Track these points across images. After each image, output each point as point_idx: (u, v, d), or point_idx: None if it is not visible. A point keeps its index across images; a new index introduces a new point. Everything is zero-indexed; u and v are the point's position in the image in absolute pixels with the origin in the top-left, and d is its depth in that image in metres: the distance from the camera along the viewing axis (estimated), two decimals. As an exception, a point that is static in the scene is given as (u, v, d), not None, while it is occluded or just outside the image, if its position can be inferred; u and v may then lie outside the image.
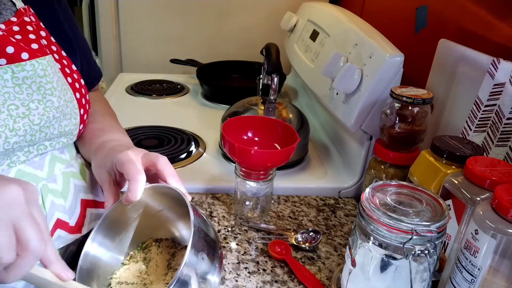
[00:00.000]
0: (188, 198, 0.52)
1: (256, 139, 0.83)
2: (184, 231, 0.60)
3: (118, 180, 0.61)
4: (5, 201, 0.38)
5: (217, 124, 1.03)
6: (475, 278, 0.50)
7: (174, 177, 0.57)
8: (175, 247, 0.59)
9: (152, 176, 0.59)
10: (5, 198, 0.38)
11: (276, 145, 0.81)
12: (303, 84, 1.23)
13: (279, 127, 0.82)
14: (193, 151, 1.01)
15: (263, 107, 0.96)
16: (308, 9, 1.28)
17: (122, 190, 0.61)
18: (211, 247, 0.51)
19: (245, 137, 0.82)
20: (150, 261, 0.58)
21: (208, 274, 0.50)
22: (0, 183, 0.39)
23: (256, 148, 0.80)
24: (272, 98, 0.93)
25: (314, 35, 1.13)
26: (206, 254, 0.50)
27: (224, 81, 1.44)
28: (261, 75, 1.02)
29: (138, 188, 0.54)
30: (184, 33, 1.55)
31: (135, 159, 0.57)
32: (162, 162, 0.57)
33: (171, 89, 1.42)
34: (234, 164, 0.79)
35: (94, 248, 0.56)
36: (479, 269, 0.49)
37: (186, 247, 0.58)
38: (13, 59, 0.55)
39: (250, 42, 1.54)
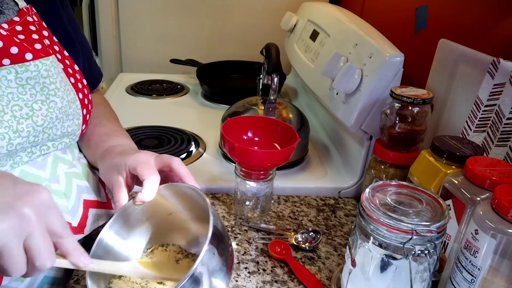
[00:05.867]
0: (205, 197, 0.53)
1: (256, 139, 0.83)
2: (196, 234, 0.60)
3: (129, 183, 0.61)
4: (17, 224, 0.39)
5: (217, 124, 1.03)
6: (475, 278, 0.50)
7: (190, 176, 0.59)
8: (182, 253, 0.59)
9: (164, 177, 0.60)
10: (16, 222, 0.39)
11: (276, 145, 0.81)
12: (303, 84, 1.23)
13: (279, 127, 0.81)
14: (193, 151, 1.01)
15: (263, 107, 0.96)
16: (308, 9, 1.28)
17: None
18: (225, 247, 0.51)
19: (245, 137, 0.82)
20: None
21: (219, 274, 0.50)
22: (14, 205, 0.40)
23: (256, 148, 0.80)
24: (272, 98, 0.93)
25: (314, 35, 1.13)
26: (219, 254, 0.50)
27: (224, 81, 1.44)
28: (261, 75, 1.02)
29: (153, 187, 0.55)
30: (184, 33, 1.55)
31: (149, 160, 0.58)
32: (177, 163, 0.59)
33: (171, 89, 1.42)
34: (234, 164, 0.79)
35: (109, 237, 0.56)
36: (479, 269, 0.49)
37: (191, 254, 0.59)
38: (17, 59, 0.55)
39: (250, 42, 1.54)
